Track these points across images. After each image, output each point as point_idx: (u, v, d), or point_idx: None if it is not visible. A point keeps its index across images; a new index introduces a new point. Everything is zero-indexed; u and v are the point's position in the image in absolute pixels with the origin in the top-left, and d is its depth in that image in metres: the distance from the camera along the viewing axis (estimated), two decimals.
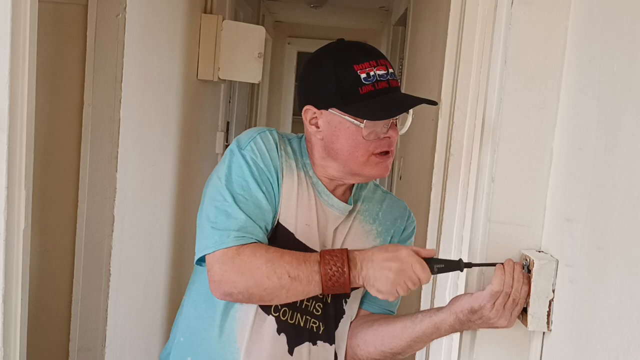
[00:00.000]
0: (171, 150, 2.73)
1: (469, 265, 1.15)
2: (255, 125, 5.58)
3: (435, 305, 1.56)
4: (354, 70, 1.16)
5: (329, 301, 1.27)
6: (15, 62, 1.17)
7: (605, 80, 0.98)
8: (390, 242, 1.35)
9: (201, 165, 3.21)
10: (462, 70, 1.42)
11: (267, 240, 1.19)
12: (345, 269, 1.11)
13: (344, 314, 1.31)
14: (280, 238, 1.21)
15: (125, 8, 2.02)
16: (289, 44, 6.91)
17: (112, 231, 2.10)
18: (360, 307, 1.36)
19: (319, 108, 1.20)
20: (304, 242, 1.23)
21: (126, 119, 2.08)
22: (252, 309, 1.21)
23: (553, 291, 1.10)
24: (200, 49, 3.04)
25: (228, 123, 4.38)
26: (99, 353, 2.14)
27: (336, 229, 1.28)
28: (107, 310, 2.13)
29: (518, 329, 1.17)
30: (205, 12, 3.06)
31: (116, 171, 2.08)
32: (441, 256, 1.46)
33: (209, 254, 1.15)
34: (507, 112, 1.17)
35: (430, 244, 1.81)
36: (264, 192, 1.19)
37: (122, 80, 2.04)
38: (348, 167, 1.22)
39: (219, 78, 3.12)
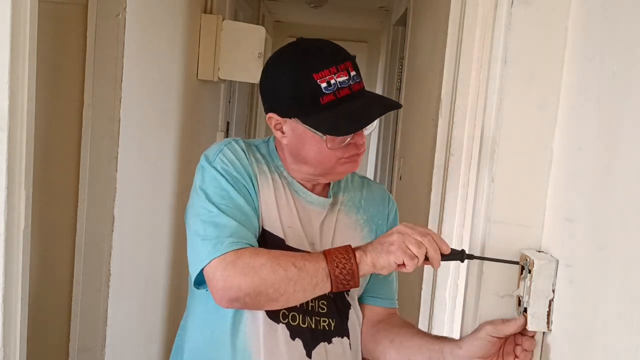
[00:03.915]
0: (171, 150, 2.73)
1: (471, 257, 1.14)
2: (255, 126, 5.56)
3: (435, 306, 1.56)
4: (314, 80, 1.12)
5: (331, 296, 1.25)
6: (15, 62, 1.17)
7: (605, 80, 0.98)
8: (377, 230, 1.33)
9: None
10: (462, 70, 1.42)
11: (256, 242, 1.16)
12: (351, 256, 1.08)
13: (349, 305, 1.30)
14: (270, 245, 1.19)
15: (125, 8, 2.02)
16: None
17: (112, 231, 2.10)
18: (365, 304, 1.35)
19: (281, 116, 1.19)
20: (294, 246, 1.21)
21: (126, 119, 2.09)
22: (259, 321, 1.19)
23: (553, 291, 1.10)
24: (200, 49, 3.04)
25: (228, 123, 4.38)
26: (99, 353, 2.14)
27: (322, 224, 1.26)
28: (107, 310, 2.13)
29: None
30: (205, 12, 3.07)
31: (116, 171, 2.08)
32: None
33: (205, 266, 1.10)
34: (507, 112, 1.17)
35: None
36: (244, 198, 1.18)
37: (122, 80, 2.04)
38: (317, 170, 1.22)
39: (219, 78, 3.12)
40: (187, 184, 2.96)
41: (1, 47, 1.15)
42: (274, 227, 1.21)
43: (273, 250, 1.13)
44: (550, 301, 1.10)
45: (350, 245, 1.11)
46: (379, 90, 5.46)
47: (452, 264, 1.44)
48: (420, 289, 1.90)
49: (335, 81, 1.13)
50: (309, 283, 1.09)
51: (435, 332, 1.57)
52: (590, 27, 1.06)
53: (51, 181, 2.06)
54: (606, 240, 0.93)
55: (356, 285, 1.10)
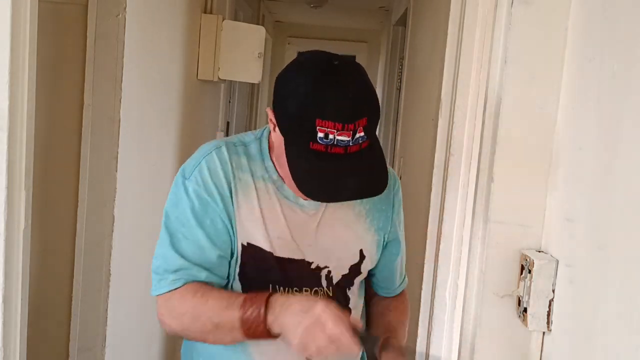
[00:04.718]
0: (171, 150, 2.73)
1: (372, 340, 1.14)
2: (255, 126, 5.56)
3: (435, 306, 1.56)
4: (314, 125, 1.03)
5: (331, 295, 1.25)
6: (15, 62, 1.18)
7: (605, 80, 0.98)
8: (380, 217, 1.30)
9: None
10: (462, 70, 1.42)
11: (210, 275, 1.17)
12: (262, 314, 1.07)
13: (349, 300, 1.30)
14: (258, 259, 1.18)
15: (125, 8, 2.02)
16: (289, 44, 6.91)
17: (112, 231, 2.10)
18: (370, 287, 1.39)
19: (276, 121, 1.14)
20: (285, 256, 1.19)
21: (126, 119, 2.09)
22: None
23: (553, 291, 1.10)
24: (200, 49, 3.04)
25: (228, 123, 4.38)
26: (99, 353, 2.14)
27: (318, 225, 1.23)
28: (107, 310, 2.13)
29: (518, 328, 1.17)
30: (205, 12, 3.07)
31: (116, 171, 2.08)
32: (441, 256, 1.47)
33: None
34: (507, 112, 1.17)
35: (430, 244, 1.81)
36: (205, 229, 1.16)
37: (122, 80, 2.04)
38: (285, 181, 1.19)
39: (219, 78, 3.12)
40: None
41: (1, 47, 1.15)
42: (260, 240, 1.18)
43: (200, 295, 1.14)
44: (550, 301, 1.10)
45: (262, 314, 1.08)
46: (379, 91, 5.46)
47: (452, 263, 1.45)
48: (420, 289, 1.90)
49: (334, 137, 1.04)
50: (226, 338, 1.13)
51: (435, 332, 1.57)
52: (590, 27, 1.06)
53: (51, 181, 2.06)
54: (606, 240, 0.93)
55: (268, 337, 1.10)
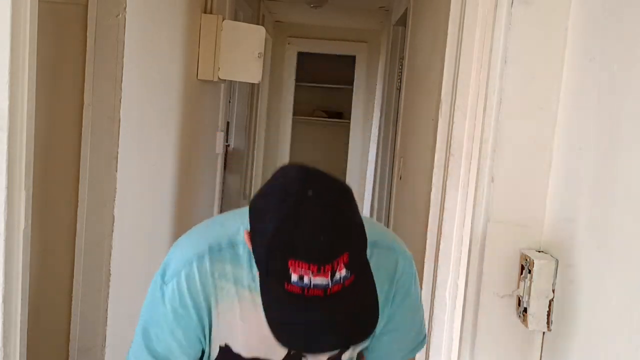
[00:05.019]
0: (171, 150, 2.73)
1: None
2: (255, 126, 5.55)
3: (435, 306, 1.56)
4: (286, 265, 0.89)
5: None
6: (15, 62, 1.18)
7: (605, 80, 0.98)
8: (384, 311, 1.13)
9: (201, 165, 3.21)
10: (462, 70, 1.42)
11: None
12: None
13: None
14: None
15: (125, 8, 2.02)
16: (289, 44, 6.91)
17: (112, 231, 2.10)
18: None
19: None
20: (264, 357, 1.15)
21: (126, 119, 2.09)
22: None
23: (553, 291, 1.10)
24: (200, 49, 3.04)
25: (228, 123, 4.38)
26: (99, 353, 2.14)
27: None
28: (107, 310, 2.13)
29: (518, 328, 1.17)
30: (205, 12, 3.07)
31: (116, 171, 2.08)
32: (441, 256, 1.47)
33: None
34: (507, 112, 1.17)
35: (430, 244, 1.81)
36: (177, 337, 1.13)
37: (122, 80, 2.04)
38: None
39: (219, 78, 3.12)
40: (187, 184, 2.97)
41: (1, 47, 1.15)
42: (238, 348, 1.15)
43: None
44: (550, 301, 1.10)
45: None
46: (379, 90, 5.44)
47: (452, 262, 1.44)
48: (421, 288, 1.90)
49: (310, 280, 0.89)
50: None
51: (435, 332, 1.57)
52: (590, 27, 1.06)
53: (51, 181, 2.06)
54: (606, 240, 0.93)
55: None
